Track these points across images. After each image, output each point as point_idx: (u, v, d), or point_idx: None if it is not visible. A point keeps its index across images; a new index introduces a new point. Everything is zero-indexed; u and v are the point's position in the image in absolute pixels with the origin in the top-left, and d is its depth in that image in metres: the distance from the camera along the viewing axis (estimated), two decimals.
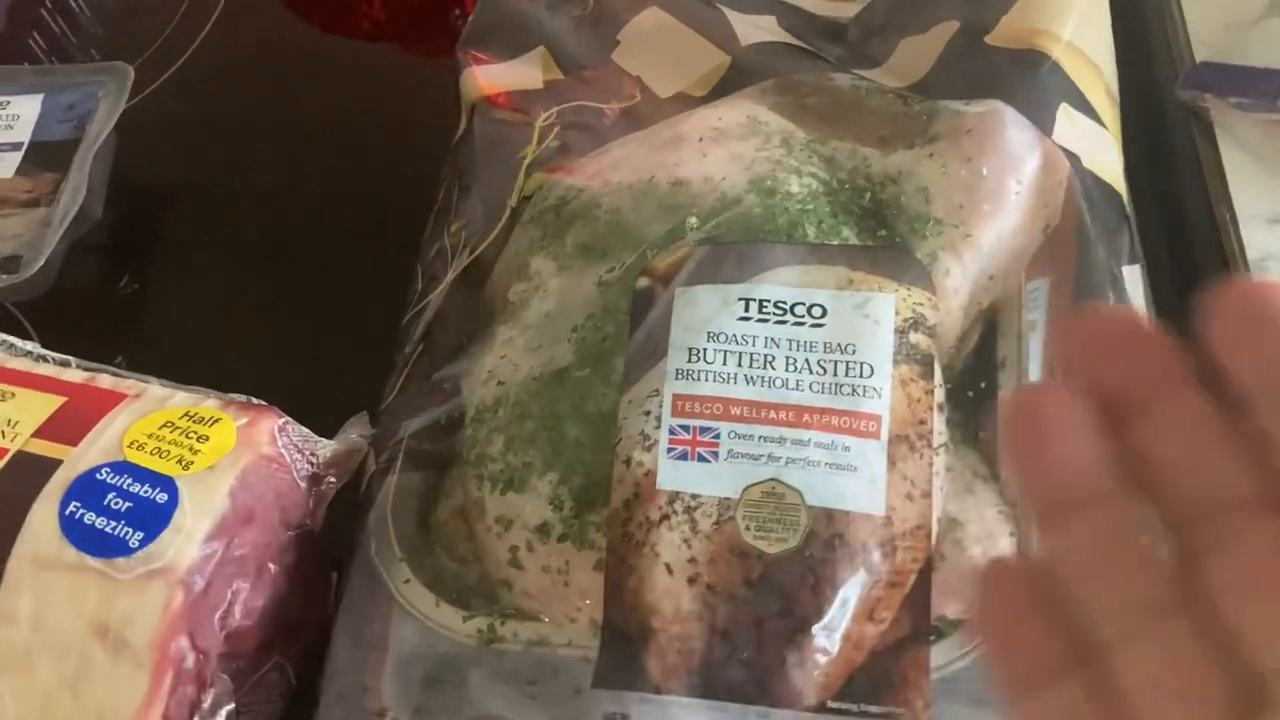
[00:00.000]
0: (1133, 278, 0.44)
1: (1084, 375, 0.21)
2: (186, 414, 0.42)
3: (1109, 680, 0.21)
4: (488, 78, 0.52)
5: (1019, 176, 0.43)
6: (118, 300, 0.58)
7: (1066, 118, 0.45)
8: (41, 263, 0.52)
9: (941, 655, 0.38)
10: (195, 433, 0.41)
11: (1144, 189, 0.55)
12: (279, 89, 0.66)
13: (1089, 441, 0.21)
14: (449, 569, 0.43)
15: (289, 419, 0.44)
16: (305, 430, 0.44)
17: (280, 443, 0.43)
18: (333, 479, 0.45)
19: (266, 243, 0.59)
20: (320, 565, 0.45)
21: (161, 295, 0.58)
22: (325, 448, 0.44)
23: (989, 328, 0.44)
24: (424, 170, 0.55)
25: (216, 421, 0.42)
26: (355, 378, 0.50)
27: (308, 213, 0.59)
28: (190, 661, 0.39)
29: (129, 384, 0.44)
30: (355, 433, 0.46)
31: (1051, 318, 0.43)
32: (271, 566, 0.42)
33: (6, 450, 0.40)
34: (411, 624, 0.41)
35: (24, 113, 0.58)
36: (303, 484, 0.44)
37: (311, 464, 0.44)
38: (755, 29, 0.51)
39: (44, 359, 0.45)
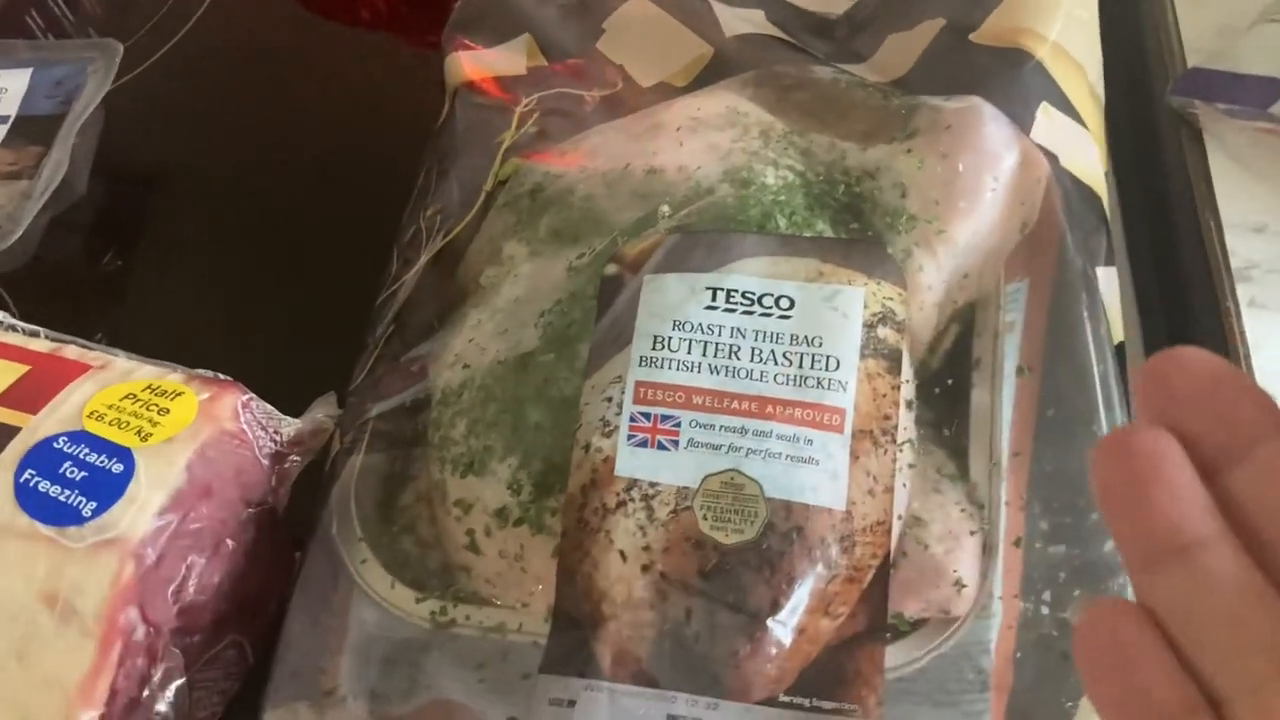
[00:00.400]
0: (1108, 280, 0.43)
1: (1171, 419, 0.21)
2: (149, 386, 0.42)
3: None
4: (472, 63, 0.52)
5: (996, 174, 0.43)
6: (98, 276, 0.57)
7: (1046, 116, 0.44)
8: (19, 234, 0.52)
9: (899, 655, 0.37)
10: (156, 405, 0.41)
11: (1134, 193, 0.55)
12: (270, 73, 0.66)
13: (1193, 486, 0.20)
14: (412, 552, 0.42)
15: (253, 396, 0.43)
16: (269, 407, 0.44)
17: (243, 419, 0.42)
18: (296, 457, 0.45)
19: (249, 224, 0.59)
20: (282, 543, 0.45)
21: (142, 272, 0.58)
22: (290, 426, 0.44)
23: (965, 326, 0.43)
24: (409, 156, 0.54)
25: (179, 395, 0.42)
26: (329, 358, 0.50)
27: (291, 195, 0.59)
28: (140, 634, 0.39)
29: (95, 356, 0.44)
30: (322, 412, 0.45)
31: (1030, 318, 0.43)
32: (229, 542, 0.42)
33: None
34: (370, 606, 0.41)
35: (12, 86, 0.58)
36: (265, 461, 0.43)
37: (275, 441, 0.44)
38: (740, 21, 0.51)
39: (13, 329, 0.45)
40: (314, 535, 0.43)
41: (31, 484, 0.39)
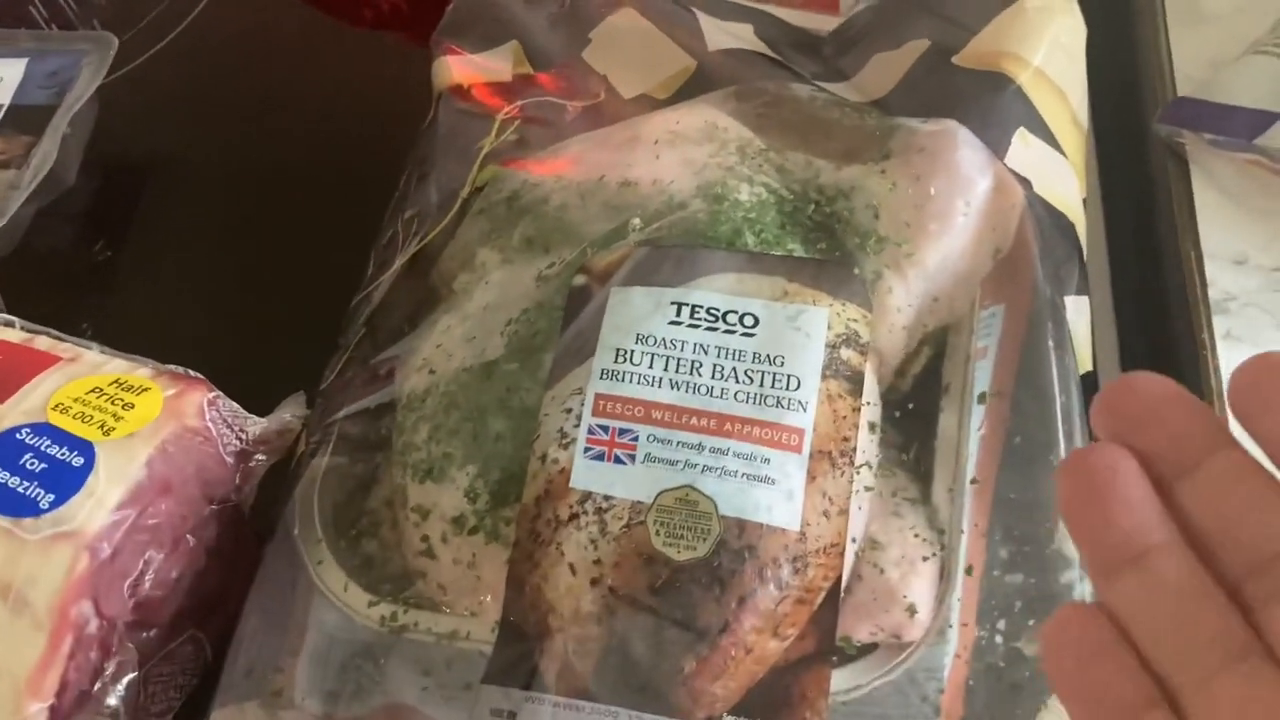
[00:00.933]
0: (1078, 309, 0.43)
1: (1125, 439, 0.23)
2: (116, 381, 0.42)
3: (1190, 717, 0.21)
4: (459, 67, 0.52)
5: (968, 198, 0.43)
6: (84, 267, 0.58)
7: (1023, 142, 0.44)
8: (3, 223, 0.52)
9: (847, 679, 0.37)
10: (122, 400, 0.41)
11: (1120, 220, 0.55)
12: (265, 70, 0.67)
13: (1147, 497, 0.22)
14: (374, 555, 0.42)
15: (220, 393, 0.44)
16: (236, 406, 0.44)
17: (208, 416, 0.43)
18: (262, 456, 0.45)
19: (235, 222, 0.59)
20: (245, 541, 0.45)
21: (127, 265, 0.58)
22: (256, 425, 0.44)
23: (937, 350, 0.43)
24: (399, 157, 0.55)
25: (145, 391, 0.42)
26: (304, 358, 0.50)
27: (278, 194, 0.60)
28: (93, 627, 0.39)
29: (65, 348, 0.44)
30: (289, 412, 0.45)
31: (1004, 345, 0.43)
32: (190, 538, 0.42)
33: None
34: (327, 607, 0.41)
35: (6, 76, 0.59)
36: (229, 459, 0.43)
37: (241, 440, 0.44)
38: (726, 35, 0.51)
39: None
40: (275, 535, 0.43)
41: None
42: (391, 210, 0.51)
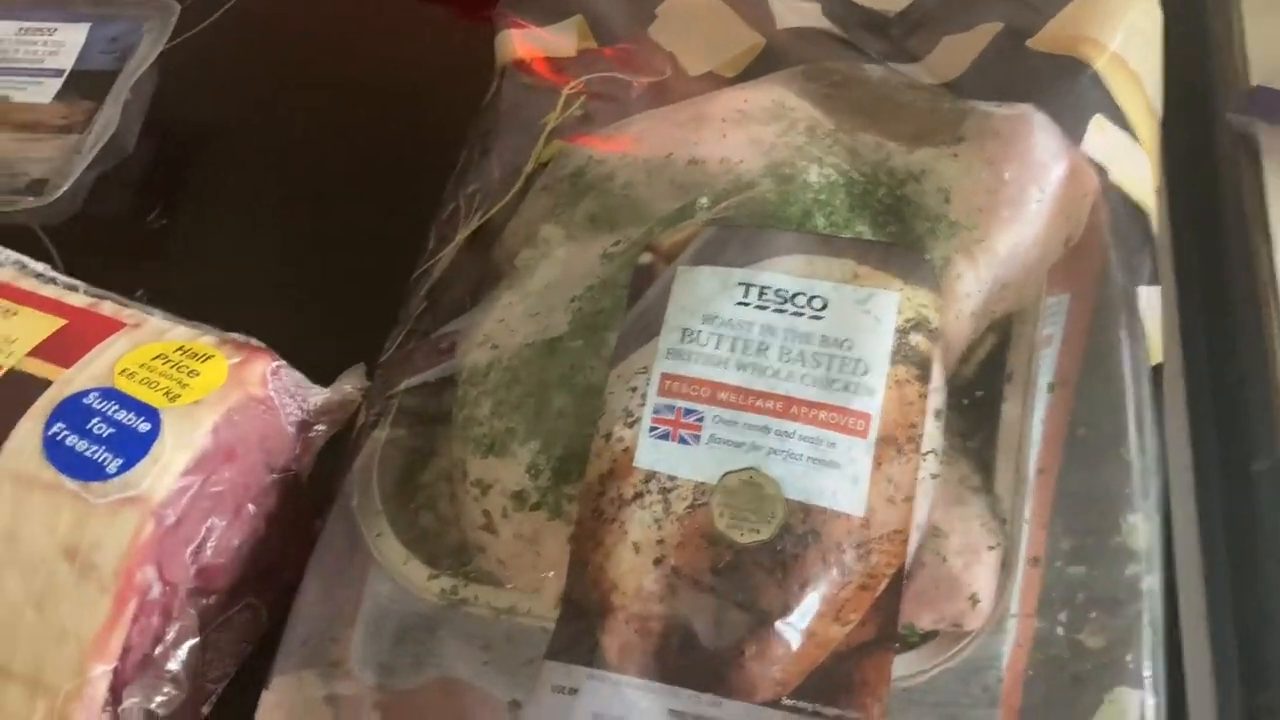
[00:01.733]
0: (1150, 299, 0.42)
1: None
2: (180, 348, 0.42)
3: None
4: (522, 41, 0.52)
5: (1042, 185, 0.42)
6: (142, 234, 0.58)
7: (1099, 129, 0.43)
8: (66, 189, 0.53)
9: (907, 665, 0.37)
10: (187, 367, 0.42)
11: (1187, 211, 0.54)
12: (325, 40, 0.66)
13: None
14: (430, 529, 0.42)
15: (283, 363, 0.44)
16: (299, 376, 0.44)
17: (271, 385, 0.43)
18: (322, 427, 0.45)
19: (293, 190, 0.59)
20: (304, 511, 0.45)
21: (185, 232, 0.58)
22: (318, 395, 0.44)
23: (1001, 338, 0.43)
24: (457, 132, 0.54)
25: (209, 358, 0.42)
26: (362, 330, 0.50)
27: (337, 165, 0.60)
28: (156, 592, 0.39)
29: (130, 313, 0.44)
30: (350, 384, 0.46)
31: (1069, 334, 0.42)
32: (251, 507, 0.43)
33: (1, 366, 0.41)
34: (384, 579, 0.41)
35: (69, 40, 0.59)
36: (290, 429, 0.44)
37: (302, 410, 0.44)
38: (795, 13, 0.50)
39: (53, 281, 0.46)
40: (334, 506, 0.43)
41: (60, 437, 0.39)
42: (453, 184, 0.50)
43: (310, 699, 0.40)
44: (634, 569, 0.37)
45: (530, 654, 0.38)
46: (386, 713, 0.39)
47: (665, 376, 0.39)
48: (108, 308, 0.45)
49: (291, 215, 0.58)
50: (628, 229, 0.43)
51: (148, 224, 0.59)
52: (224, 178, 0.61)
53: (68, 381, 0.40)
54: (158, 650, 0.40)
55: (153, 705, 0.39)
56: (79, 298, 0.45)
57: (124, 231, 0.59)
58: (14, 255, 0.47)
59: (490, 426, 0.42)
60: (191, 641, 0.41)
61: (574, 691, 0.36)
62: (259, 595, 0.44)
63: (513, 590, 0.40)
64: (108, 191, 0.57)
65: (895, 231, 0.42)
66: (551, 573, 0.39)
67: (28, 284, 0.45)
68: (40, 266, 0.46)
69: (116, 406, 0.40)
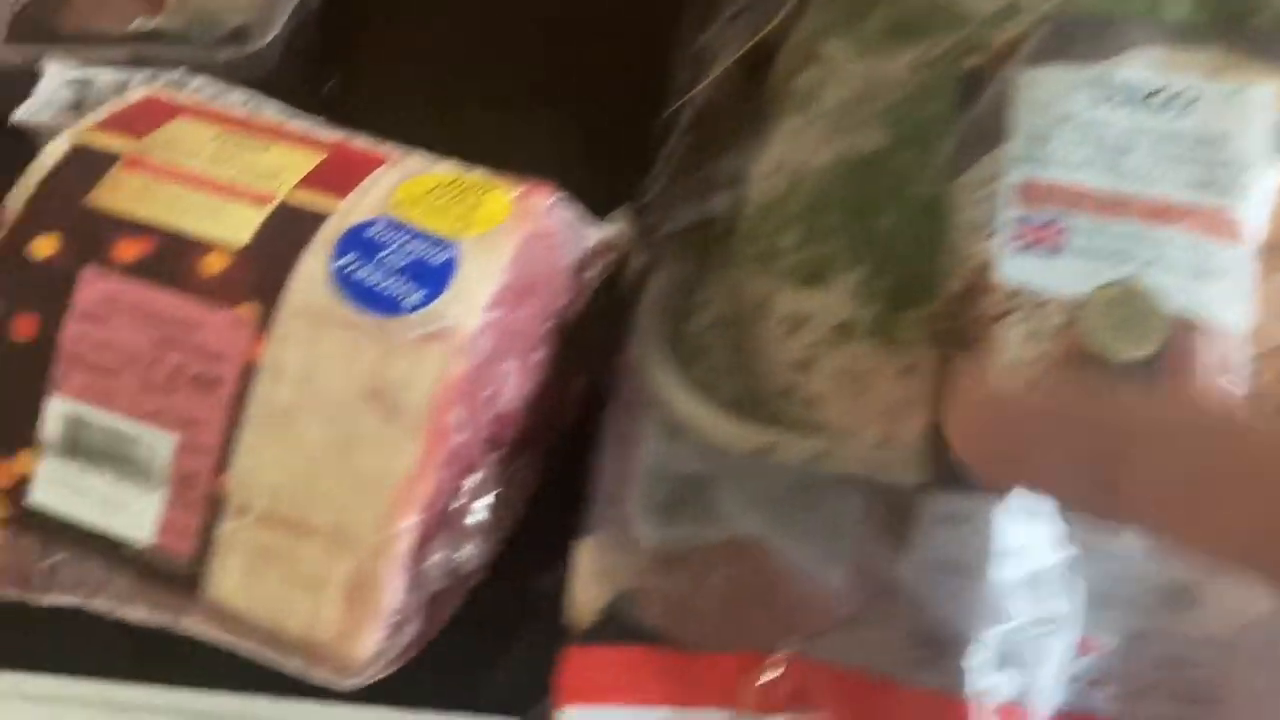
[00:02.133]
0: None
1: None
2: (456, 180, 0.39)
3: None
4: None
5: None
6: (328, 94, 0.54)
7: None
8: (270, 38, 0.49)
9: None
10: (468, 198, 0.38)
11: None
12: None
13: None
14: (713, 378, 0.39)
15: (564, 196, 0.40)
16: (578, 210, 0.40)
17: (555, 219, 0.39)
18: (595, 270, 0.41)
19: (518, 32, 0.54)
20: (574, 362, 0.42)
21: (383, 87, 0.54)
22: (596, 233, 0.41)
23: None
24: None
25: (489, 190, 0.38)
26: (600, 174, 0.46)
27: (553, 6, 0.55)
28: (463, 437, 0.36)
29: (387, 149, 0.41)
30: (619, 225, 0.42)
31: None
32: (538, 353, 0.39)
33: (272, 197, 0.37)
34: (673, 434, 0.38)
35: None
36: (570, 270, 0.40)
37: (582, 249, 0.40)
38: None
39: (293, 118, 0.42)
40: (616, 359, 0.40)
41: (350, 271, 0.35)
42: (705, 8, 0.46)
43: (613, 561, 0.37)
44: None
45: (841, 504, 0.35)
46: (678, 572, 0.36)
47: (1021, 185, 0.35)
48: (361, 143, 0.41)
49: (517, 58, 0.53)
50: (939, 35, 0.39)
51: (332, 86, 0.54)
52: (427, 27, 0.56)
53: (347, 212, 0.37)
54: (457, 504, 0.37)
55: (458, 561, 0.36)
56: (328, 132, 0.41)
57: (313, 91, 0.54)
58: (245, 94, 0.43)
59: (803, 255, 0.38)
60: (492, 494, 0.37)
61: (965, 520, 0.32)
62: (535, 450, 0.41)
63: (827, 435, 0.36)
64: (297, 48, 0.52)
65: (1260, 22, 0.38)
66: (881, 409, 0.36)
67: (269, 119, 0.41)
68: (277, 104, 0.42)
69: (407, 237, 0.36)
